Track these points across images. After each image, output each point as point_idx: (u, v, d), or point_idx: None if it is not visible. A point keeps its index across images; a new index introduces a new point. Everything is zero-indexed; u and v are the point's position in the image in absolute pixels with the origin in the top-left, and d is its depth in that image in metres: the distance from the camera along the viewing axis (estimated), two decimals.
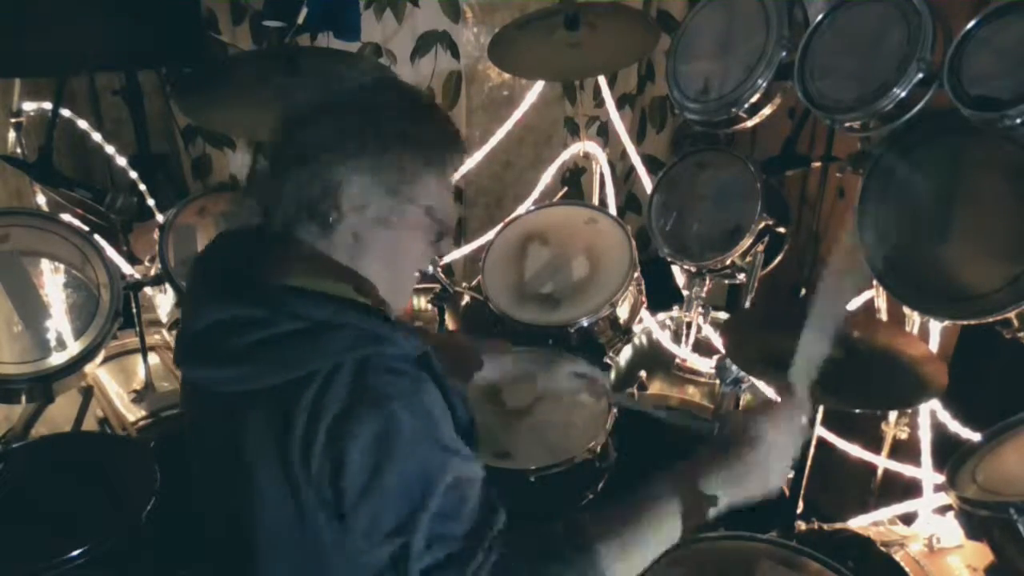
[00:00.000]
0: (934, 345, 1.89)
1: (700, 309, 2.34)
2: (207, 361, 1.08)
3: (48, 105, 2.27)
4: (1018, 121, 1.47)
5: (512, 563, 1.00)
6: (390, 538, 0.99)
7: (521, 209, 2.54)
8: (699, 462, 1.14)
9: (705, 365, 2.36)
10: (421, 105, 1.15)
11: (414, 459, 1.00)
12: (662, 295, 2.47)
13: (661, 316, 2.53)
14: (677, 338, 2.46)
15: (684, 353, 2.41)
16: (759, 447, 1.12)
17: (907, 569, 1.67)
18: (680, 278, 2.39)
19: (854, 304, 2.21)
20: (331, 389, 1.00)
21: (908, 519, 1.97)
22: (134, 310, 2.12)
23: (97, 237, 2.01)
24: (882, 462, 2.08)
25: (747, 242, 2.06)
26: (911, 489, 2.04)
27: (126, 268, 2.17)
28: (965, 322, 1.75)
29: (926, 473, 1.97)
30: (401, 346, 1.06)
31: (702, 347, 2.41)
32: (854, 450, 2.14)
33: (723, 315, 2.46)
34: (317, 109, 1.09)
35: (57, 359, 1.91)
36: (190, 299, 1.16)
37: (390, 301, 1.15)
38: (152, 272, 2.19)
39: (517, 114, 2.81)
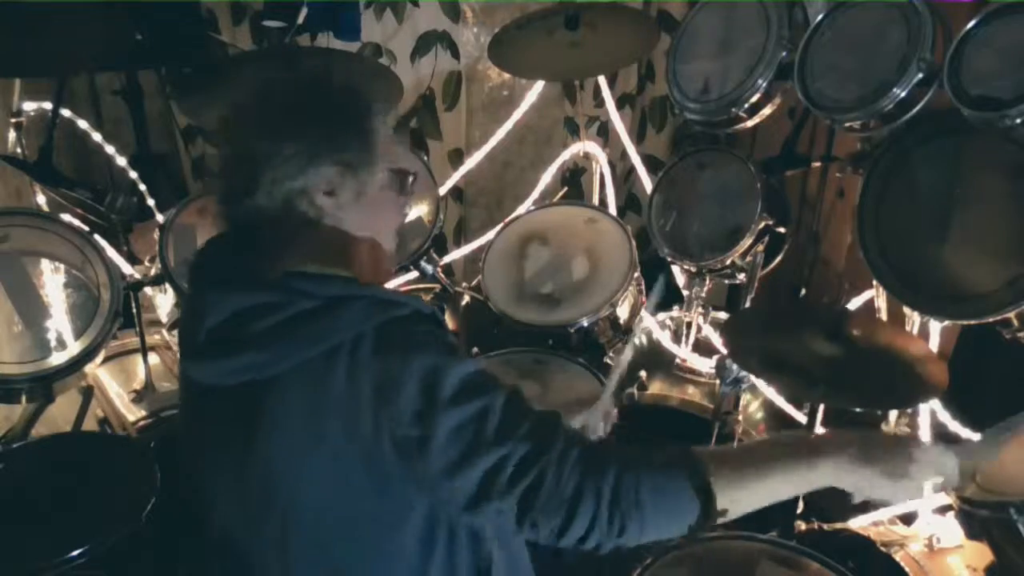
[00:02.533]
0: (934, 345, 1.89)
1: (700, 309, 2.34)
2: (225, 352, 1.08)
3: (48, 105, 2.26)
4: (1018, 121, 1.47)
5: (601, 450, 1.05)
6: (478, 456, 1.00)
7: (521, 209, 2.54)
8: (845, 438, 1.11)
9: (705, 365, 2.36)
10: (322, 79, 1.17)
11: (464, 382, 1.03)
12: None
13: (661, 316, 2.53)
14: (677, 338, 2.46)
15: (684, 353, 2.41)
16: (908, 454, 1.10)
17: (907, 569, 1.67)
18: (680, 278, 2.39)
19: (853, 305, 2.22)
20: (360, 354, 1.03)
21: (908, 519, 1.96)
22: (134, 310, 2.12)
23: (97, 237, 2.01)
24: None
25: (747, 242, 2.06)
26: None
27: (126, 268, 2.17)
28: (965, 322, 1.75)
29: None
30: (413, 305, 1.10)
31: (702, 347, 2.41)
32: None
33: (723, 315, 2.46)
34: (253, 122, 1.12)
35: (57, 359, 1.91)
36: (194, 301, 1.16)
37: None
38: (152, 272, 2.19)
39: (517, 114, 2.81)
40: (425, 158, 2.53)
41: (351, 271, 1.14)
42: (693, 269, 2.21)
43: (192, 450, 1.22)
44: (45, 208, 2.29)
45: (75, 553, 1.54)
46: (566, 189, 3.17)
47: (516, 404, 1.06)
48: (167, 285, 2.17)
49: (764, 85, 2.00)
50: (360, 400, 1.02)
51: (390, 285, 2.55)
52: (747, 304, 2.18)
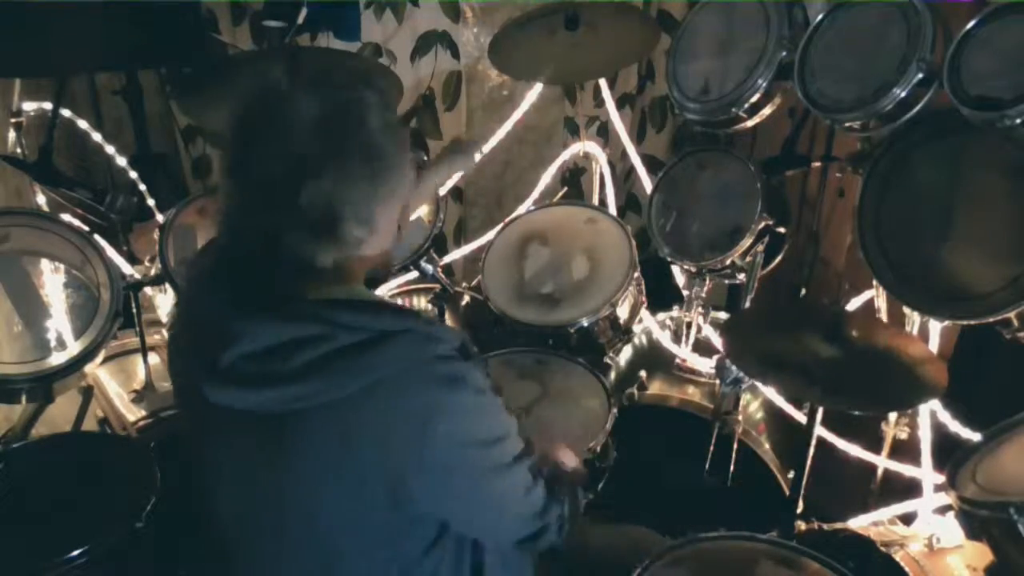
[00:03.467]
0: (934, 345, 1.89)
1: (700, 309, 2.34)
2: (260, 383, 1.06)
3: (48, 105, 2.26)
4: (1018, 121, 1.47)
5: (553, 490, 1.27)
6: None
7: (521, 209, 2.54)
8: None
9: (705, 365, 2.36)
10: (376, 108, 1.12)
11: (491, 428, 1.16)
12: (662, 295, 2.47)
13: (661, 316, 2.53)
14: (677, 338, 2.46)
15: (684, 353, 2.41)
16: None
17: (907, 569, 1.67)
18: (680, 278, 2.39)
19: (853, 305, 2.23)
20: (400, 388, 1.06)
21: (908, 519, 1.97)
22: (134, 310, 2.12)
23: (97, 237, 2.01)
24: (882, 462, 2.07)
25: (747, 242, 2.06)
26: (911, 489, 2.04)
27: (126, 268, 2.17)
28: (965, 322, 1.75)
29: (926, 473, 1.97)
30: (450, 341, 1.12)
31: (702, 347, 2.41)
32: (854, 450, 2.14)
33: (723, 315, 2.46)
34: (312, 146, 1.04)
35: (57, 359, 1.91)
36: (215, 322, 1.10)
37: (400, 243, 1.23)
38: (152, 272, 2.19)
39: (517, 114, 2.81)
40: (425, 158, 2.53)
41: (362, 281, 1.17)
42: (693, 269, 2.21)
43: (198, 459, 1.22)
44: (45, 208, 2.28)
45: (75, 553, 1.54)
46: (566, 189, 3.17)
47: (527, 451, 1.22)
48: (167, 285, 2.17)
49: (764, 85, 2.00)
50: (395, 434, 1.06)
51: (390, 284, 2.58)
52: (747, 304, 2.18)
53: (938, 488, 1.88)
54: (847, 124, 1.81)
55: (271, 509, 1.14)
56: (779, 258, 2.24)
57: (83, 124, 2.46)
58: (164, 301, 2.36)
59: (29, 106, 2.34)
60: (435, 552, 1.18)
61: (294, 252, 1.06)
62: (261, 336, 1.06)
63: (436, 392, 1.07)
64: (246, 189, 1.07)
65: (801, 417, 2.17)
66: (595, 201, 2.70)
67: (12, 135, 2.33)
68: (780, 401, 2.27)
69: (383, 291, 2.56)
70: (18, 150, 2.33)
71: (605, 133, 3.27)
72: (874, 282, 1.87)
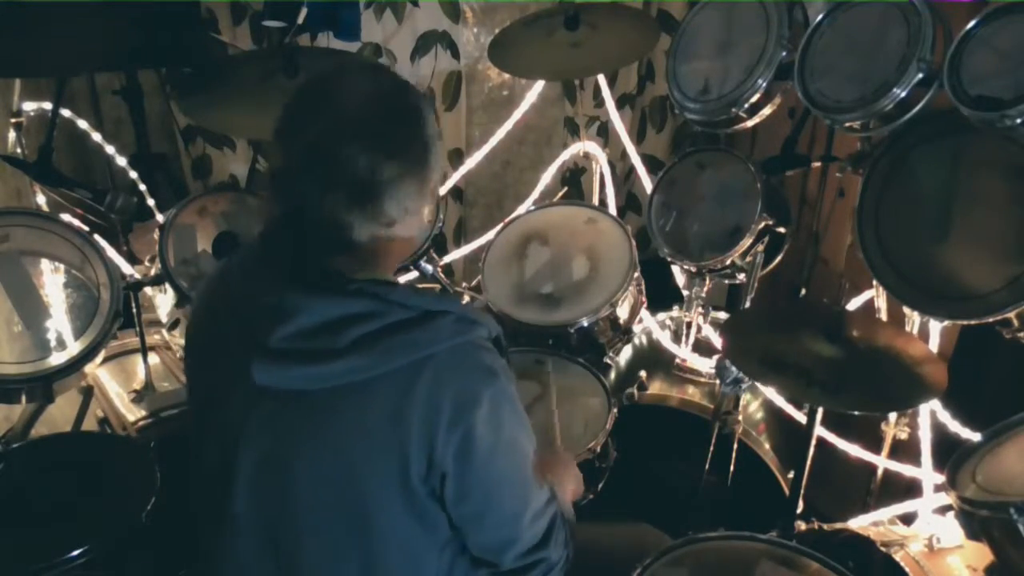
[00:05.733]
0: (934, 345, 1.89)
1: (700, 309, 2.34)
2: (312, 359, 1.10)
3: (48, 105, 2.26)
4: (1018, 121, 1.47)
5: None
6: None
7: (521, 209, 2.54)
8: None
9: (705, 365, 2.36)
10: (414, 97, 1.20)
11: (519, 427, 1.21)
12: (662, 295, 2.47)
13: (661, 316, 2.53)
14: (677, 338, 2.46)
15: (684, 353, 2.41)
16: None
17: (907, 569, 1.67)
18: (680, 278, 2.39)
19: (853, 305, 2.23)
20: (445, 366, 1.11)
21: (908, 519, 1.96)
22: (134, 310, 2.12)
23: (97, 237, 2.01)
24: (882, 462, 2.07)
25: (747, 242, 2.06)
26: (911, 489, 2.04)
27: (126, 268, 2.17)
28: (965, 322, 1.75)
29: (926, 473, 1.97)
30: (490, 328, 1.19)
31: (702, 347, 2.41)
32: (854, 450, 2.14)
33: (723, 315, 2.46)
34: (368, 136, 1.10)
35: (57, 359, 1.90)
36: (261, 304, 1.13)
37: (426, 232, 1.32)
38: (152, 272, 2.19)
39: (517, 114, 2.81)
40: None
41: (394, 271, 1.24)
42: (693, 269, 2.21)
43: (221, 442, 1.21)
44: (45, 208, 2.28)
45: (75, 553, 1.53)
46: (566, 189, 3.18)
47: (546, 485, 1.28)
48: (167, 285, 2.17)
49: (764, 85, 2.00)
50: (440, 413, 1.10)
51: None
52: (747, 304, 2.18)
53: (938, 488, 1.88)
54: (847, 124, 1.81)
55: (307, 489, 1.15)
56: (779, 258, 2.24)
57: (83, 124, 2.46)
58: (164, 301, 2.36)
59: (29, 106, 2.34)
60: (448, 550, 1.22)
61: (333, 217, 1.09)
62: (317, 311, 1.10)
63: (480, 377, 1.13)
64: (293, 149, 1.11)
65: (801, 417, 2.17)
66: (595, 201, 2.70)
67: (12, 135, 2.33)
68: (780, 401, 2.27)
69: None
70: (18, 150, 2.33)
71: (605, 133, 3.27)
72: (874, 282, 1.87)
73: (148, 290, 2.24)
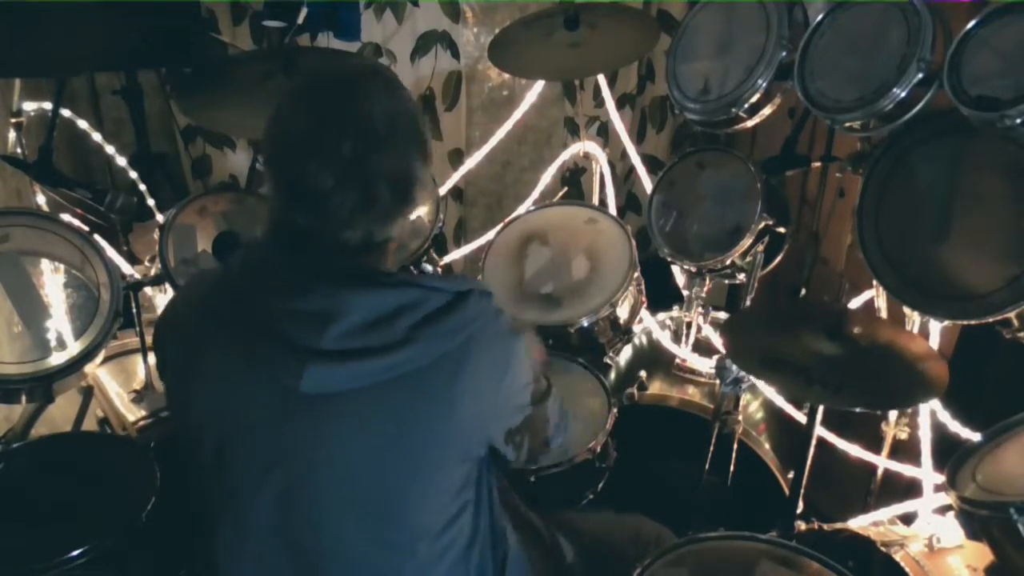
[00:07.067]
0: (934, 345, 1.89)
1: (700, 309, 2.34)
2: (368, 355, 1.11)
3: (48, 105, 2.26)
4: (1018, 121, 1.47)
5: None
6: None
7: (521, 209, 2.54)
8: None
9: (705, 365, 2.36)
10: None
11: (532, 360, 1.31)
12: (662, 295, 2.47)
13: (661, 316, 2.53)
14: (677, 338, 2.46)
15: (684, 353, 2.41)
16: None
17: (907, 569, 1.67)
18: (680, 278, 2.39)
19: (853, 305, 2.23)
20: (485, 337, 1.19)
21: (908, 519, 1.97)
22: (134, 310, 2.12)
23: (97, 237, 2.01)
24: (882, 462, 2.08)
25: (747, 242, 2.06)
26: (911, 489, 2.04)
27: (126, 268, 2.17)
28: (965, 322, 1.75)
29: (926, 473, 1.97)
30: (494, 293, 1.26)
31: (702, 347, 2.41)
32: (854, 450, 2.14)
33: (723, 315, 2.46)
34: (399, 141, 1.14)
35: (57, 359, 1.90)
36: (299, 309, 1.11)
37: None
38: (152, 272, 2.19)
39: (517, 114, 2.81)
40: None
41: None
42: (693, 269, 2.21)
43: (243, 448, 1.19)
44: (45, 208, 2.28)
45: (75, 553, 1.53)
46: (566, 189, 3.17)
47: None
48: (167, 285, 2.17)
49: (764, 85, 2.00)
50: (486, 382, 1.19)
51: None
52: (747, 304, 2.18)
53: (938, 488, 1.88)
54: (847, 124, 1.81)
55: (339, 483, 1.17)
56: (779, 258, 2.24)
57: (83, 124, 2.46)
58: (164, 301, 2.36)
59: (29, 106, 2.34)
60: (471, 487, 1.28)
61: (366, 226, 1.13)
62: (367, 306, 1.11)
63: (508, 341, 1.23)
64: (324, 165, 1.11)
65: (801, 417, 2.17)
66: (595, 201, 2.70)
67: (12, 135, 2.33)
68: (780, 401, 2.27)
69: None
70: (18, 150, 2.33)
71: (605, 133, 3.27)
72: (874, 282, 1.87)
73: (148, 290, 2.24)
